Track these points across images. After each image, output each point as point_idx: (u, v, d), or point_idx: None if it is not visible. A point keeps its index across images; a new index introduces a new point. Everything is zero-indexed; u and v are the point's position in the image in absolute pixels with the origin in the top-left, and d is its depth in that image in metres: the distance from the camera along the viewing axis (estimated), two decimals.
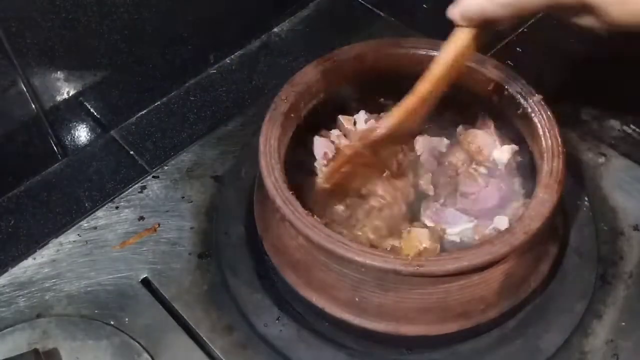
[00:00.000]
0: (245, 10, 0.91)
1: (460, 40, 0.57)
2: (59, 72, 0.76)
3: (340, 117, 0.74)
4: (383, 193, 0.67)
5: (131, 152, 0.83)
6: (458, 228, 0.66)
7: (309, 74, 0.70)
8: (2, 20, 0.67)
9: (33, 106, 0.76)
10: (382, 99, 0.76)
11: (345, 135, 0.73)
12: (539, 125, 0.64)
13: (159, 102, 0.88)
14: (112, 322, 0.66)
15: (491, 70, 0.69)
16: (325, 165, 0.70)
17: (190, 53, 0.88)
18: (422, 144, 0.72)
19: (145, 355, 0.64)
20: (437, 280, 0.58)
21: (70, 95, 0.79)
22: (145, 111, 0.87)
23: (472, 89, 0.71)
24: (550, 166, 0.61)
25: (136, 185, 0.78)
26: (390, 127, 0.63)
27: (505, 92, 0.68)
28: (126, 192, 0.77)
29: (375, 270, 0.57)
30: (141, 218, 0.75)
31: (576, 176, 0.76)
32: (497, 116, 0.71)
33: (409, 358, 0.65)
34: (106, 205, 0.76)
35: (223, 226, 0.73)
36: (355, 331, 0.64)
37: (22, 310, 0.68)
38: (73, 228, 0.74)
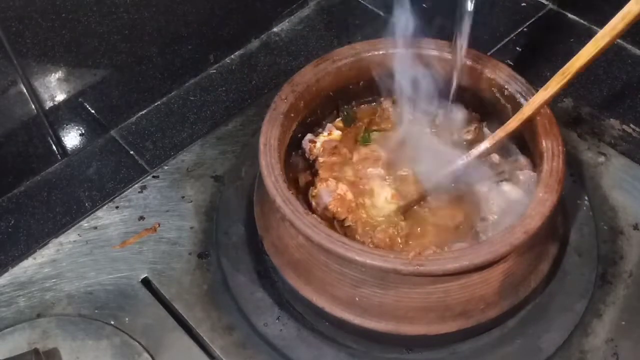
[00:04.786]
0: (245, 10, 0.91)
1: None
2: (59, 72, 0.76)
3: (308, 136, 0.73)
4: None
5: (131, 152, 0.83)
6: None
7: (308, 74, 0.70)
8: (2, 20, 0.67)
9: (33, 106, 0.76)
10: (381, 99, 0.76)
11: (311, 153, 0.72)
12: (539, 125, 0.64)
13: (159, 102, 0.88)
14: (112, 322, 0.66)
15: (491, 70, 0.69)
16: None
17: (190, 53, 0.88)
18: None
19: (145, 355, 0.64)
20: (437, 280, 0.58)
21: (70, 95, 0.79)
22: (145, 111, 0.87)
23: (472, 89, 0.71)
24: (550, 166, 0.61)
25: (136, 185, 0.78)
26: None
27: (505, 92, 0.68)
28: (126, 192, 0.77)
29: (375, 270, 0.57)
30: (141, 218, 0.75)
31: (576, 176, 0.76)
32: (497, 116, 0.71)
33: (408, 358, 0.65)
34: (106, 205, 0.76)
35: (223, 226, 0.73)
36: (355, 331, 0.64)
37: (22, 310, 0.68)
38: (73, 228, 0.74)
